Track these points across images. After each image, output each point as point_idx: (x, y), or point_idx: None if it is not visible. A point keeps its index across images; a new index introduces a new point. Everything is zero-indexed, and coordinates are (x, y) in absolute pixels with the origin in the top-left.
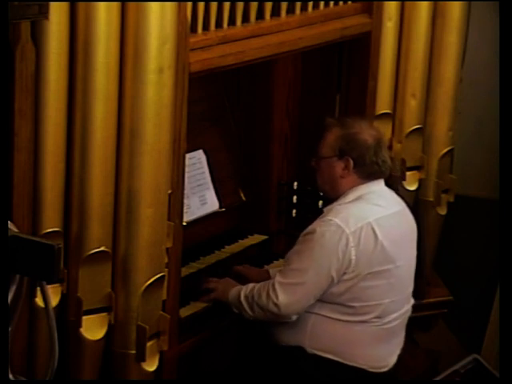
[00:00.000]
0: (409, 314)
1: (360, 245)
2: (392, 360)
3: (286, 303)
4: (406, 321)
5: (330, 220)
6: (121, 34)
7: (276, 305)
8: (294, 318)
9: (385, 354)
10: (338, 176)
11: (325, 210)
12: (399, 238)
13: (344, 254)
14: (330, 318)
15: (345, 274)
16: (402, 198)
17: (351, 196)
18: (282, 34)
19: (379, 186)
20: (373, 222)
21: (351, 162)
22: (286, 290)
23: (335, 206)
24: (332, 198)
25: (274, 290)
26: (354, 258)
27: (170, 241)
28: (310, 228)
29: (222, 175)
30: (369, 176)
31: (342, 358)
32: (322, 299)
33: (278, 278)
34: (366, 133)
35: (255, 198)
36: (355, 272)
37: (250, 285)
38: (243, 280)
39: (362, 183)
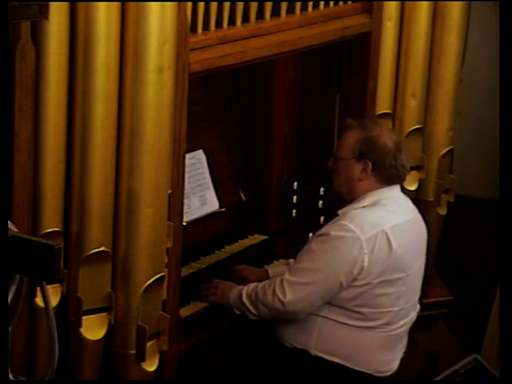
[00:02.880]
0: (414, 320)
1: (374, 252)
2: (396, 364)
3: (291, 301)
4: (410, 327)
5: (346, 225)
6: (121, 34)
7: (282, 302)
8: (302, 316)
9: (390, 359)
10: (356, 178)
11: (339, 212)
12: (411, 246)
13: (356, 260)
14: (338, 321)
15: (355, 280)
16: (416, 203)
17: (367, 200)
18: (282, 33)
19: (395, 192)
20: (387, 230)
21: (370, 165)
22: (294, 288)
23: (350, 210)
24: (347, 200)
25: (282, 287)
26: (366, 264)
27: (170, 241)
28: (324, 230)
29: (222, 175)
30: (386, 180)
31: (348, 362)
32: (331, 303)
33: (286, 276)
34: (386, 136)
35: (255, 198)
36: (366, 279)
37: (252, 284)
38: (243, 281)
39: (379, 187)
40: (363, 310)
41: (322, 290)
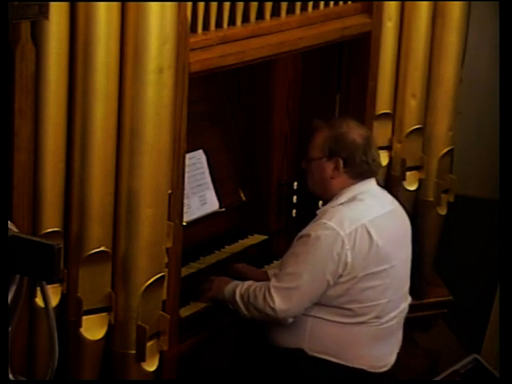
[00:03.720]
0: (406, 311)
1: (355, 247)
2: (391, 359)
3: (282, 308)
4: (403, 319)
5: (325, 223)
6: (121, 34)
7: (273, 309)
8: (290, 320)
9: (384, 354)
10: (329, 177)
11: (318, 212)
12: (393, 237)
13: (340, 256)
14: (328, 320)
15: (341, 276)
16: (395, 196)
17: (344, 197)
18: (282, 33)
19: (371, 186)
20: (367, 224)
21: (341, 162)
22: (282, 294)
23: (329, 208)
24: (324, 199)
25: (270, 294)
26: (349, 260)
27: (170, 241)
28: (304, 231)
29: (222, 175)
30: (359, 175)
31: (343, 360)
32: (320, 302)
33: (273, 283)
34: (355, 132)
35: (255, 198)
36: (351, 274)
37: (246, 283)
38: (242, 279)
39: (354, 183)
40: (351, 305)
41: (309, 292)
